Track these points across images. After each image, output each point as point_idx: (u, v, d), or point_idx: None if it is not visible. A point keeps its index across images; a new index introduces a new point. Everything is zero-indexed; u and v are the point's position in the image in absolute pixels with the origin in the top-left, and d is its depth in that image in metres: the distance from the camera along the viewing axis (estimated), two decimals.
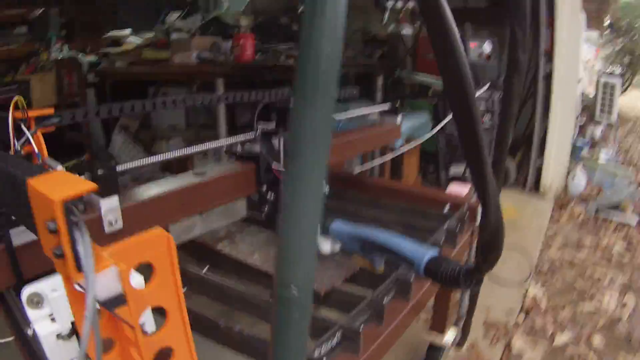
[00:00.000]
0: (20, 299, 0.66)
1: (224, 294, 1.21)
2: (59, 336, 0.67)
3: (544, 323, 2.09)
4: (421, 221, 1.52)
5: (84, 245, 0.49)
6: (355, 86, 1.68)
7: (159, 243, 0.56)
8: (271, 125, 1.35)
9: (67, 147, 2.84)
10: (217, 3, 4.14)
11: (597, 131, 4.76)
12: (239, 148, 1.39)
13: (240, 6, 4.23)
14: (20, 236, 0.82)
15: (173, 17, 3.83)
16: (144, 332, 0.58)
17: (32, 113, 0.99)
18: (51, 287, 0.66)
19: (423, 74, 3.16)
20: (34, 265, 0.79)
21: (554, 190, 3.57)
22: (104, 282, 0.50)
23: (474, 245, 1.53)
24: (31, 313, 0.66)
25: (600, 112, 4.60)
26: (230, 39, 2.96)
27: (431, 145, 3.19)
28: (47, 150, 0.99)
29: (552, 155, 3.56)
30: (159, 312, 0.57)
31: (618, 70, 9.52)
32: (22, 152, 0.96)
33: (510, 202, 3.43)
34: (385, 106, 1.88)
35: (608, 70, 7.94)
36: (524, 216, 3.23)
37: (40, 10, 3.87)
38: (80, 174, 0.92)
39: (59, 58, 3.69)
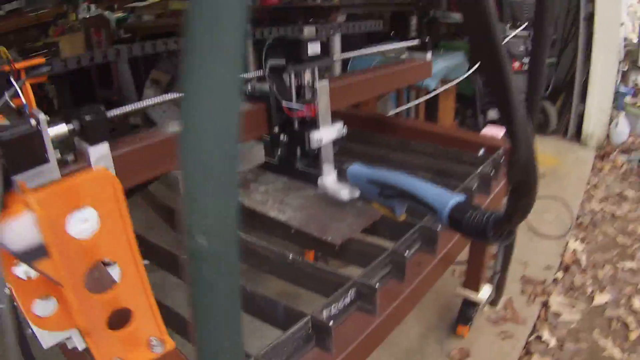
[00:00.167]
0: None
1: None
2: None
3: (584, 281, 1.96)
4: (453, 166, 1.38)
5: None
6: (384, 23, 1.51)
7: (102, 185, 0.44)
8: (281, 62, 1.21)
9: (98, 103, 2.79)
10: None
11: None
12: (248, 87, 1.27)
13: None
14: None
15: None
16: (93, 291, 0.46)
17: (22, 64, 0.95)
18: None
19: (458, 13, 2.94)
20: None
21: (596, 138, 3.37)
22: (18, 231, 0.38)
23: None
24: None
25: None
26: None
27: (468, 88, 3.05)
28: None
29: (594, 101, 3.35)
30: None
31: None
32: (13, 104, 0.92)
33: (550, 149, 3.26)
34: (415, 42, 1.70)
35: None
36: (564, 165, 3.04)
37: None
38: (67, 123, 0.83)
39: (87, 17, 3.62)
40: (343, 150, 1.32)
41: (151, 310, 0.48)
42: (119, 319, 0.49)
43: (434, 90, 2.52)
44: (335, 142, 1.21)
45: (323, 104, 1.16)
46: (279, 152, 1.26)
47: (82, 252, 0.44)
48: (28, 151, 0.52)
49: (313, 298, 0.96)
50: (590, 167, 3.05)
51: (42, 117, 0.95)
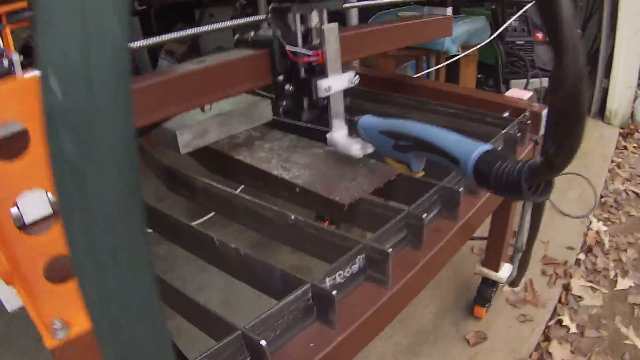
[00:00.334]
0: None
1: (231, 205, 0.99)
2: None
3: (606, 264, 1.82)
4: (475, 126, 1.24)
5: None
6: None
7: (27, 95, 0.33)
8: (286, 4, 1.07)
9: None
10: None
11: None
12: (251, 34, 1.13)
13: None
14: None
15: None
16: (27, 232, 0.36)
17: (3, 8, 0.92)
18: None
19: None
20: None
21: (620, 116, 3.19)
22: None
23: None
24: None
25: None
26: None
27: (490, 57, 2.89)
28: None
29: (618, 76, 3.16)
30: None
31: None
32: None
33: None
34: None
35: None
36: (587, 142, 2.87)
37: None
38: None
39: None
40: (356, 109, 1.19)
41: None
42: (60, 273, 0.38)
43: (455, 55, 2.36)
44: (347, 94, 1.07)
45: (332, 49, 1.02)
46: (284, 104, 1.12)
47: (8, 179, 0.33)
48: None
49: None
50: (614, 146, 2.90)
51: (16, 57, 0.89)
